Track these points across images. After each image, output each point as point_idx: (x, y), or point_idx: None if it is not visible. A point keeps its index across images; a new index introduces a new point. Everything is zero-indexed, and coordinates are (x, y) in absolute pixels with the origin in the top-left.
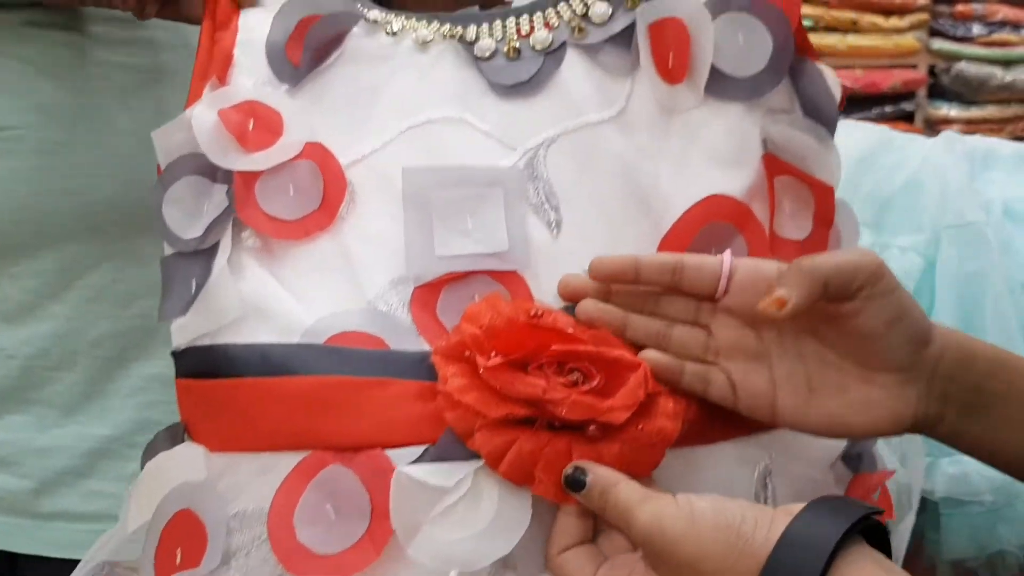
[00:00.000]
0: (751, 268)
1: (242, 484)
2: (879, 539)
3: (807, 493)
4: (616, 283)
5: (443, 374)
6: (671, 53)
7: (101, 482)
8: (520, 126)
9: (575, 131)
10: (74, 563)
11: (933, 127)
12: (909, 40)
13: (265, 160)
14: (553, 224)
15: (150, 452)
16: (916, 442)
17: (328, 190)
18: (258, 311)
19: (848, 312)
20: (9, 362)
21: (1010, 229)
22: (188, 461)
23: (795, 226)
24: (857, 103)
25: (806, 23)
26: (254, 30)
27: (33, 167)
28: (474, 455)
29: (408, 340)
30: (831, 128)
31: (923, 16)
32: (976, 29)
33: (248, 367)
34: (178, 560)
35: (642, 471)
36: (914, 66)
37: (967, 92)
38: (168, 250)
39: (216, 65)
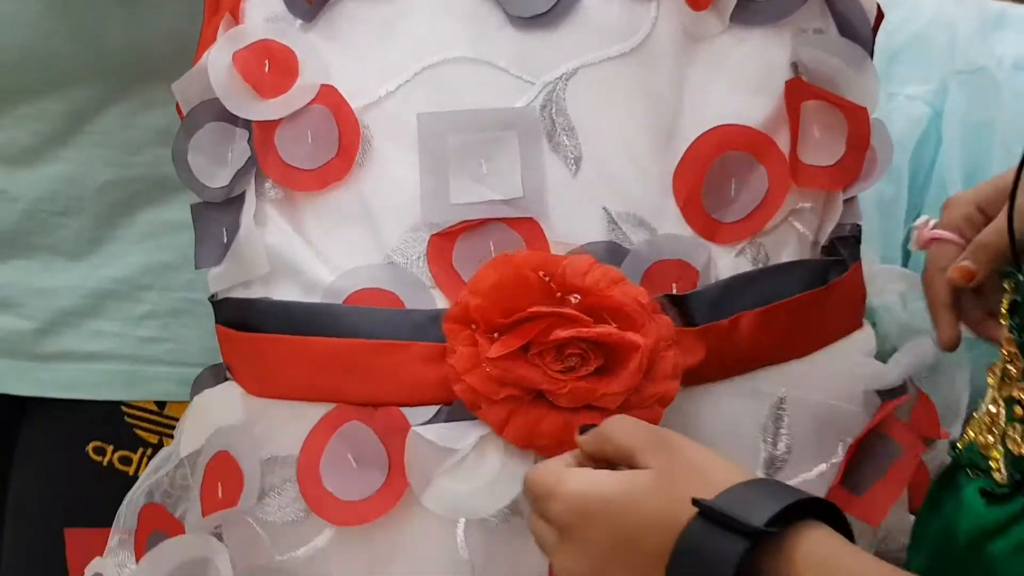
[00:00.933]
0: None
1: (275, 429)
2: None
3: (830, 421)
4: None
5: (452, 343)
6: None
7: (107, 322)
8: (539, 59)
9: (597, 63)
10: (83, 403)
11: None
12: None
13: (283, 107)
14: (571, 160)
15: (197, 387)
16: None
17: (343, 138)
18: (283, 266)
19: None
20: (12, 205)
21: (1021, 80)
22: (228, 402)
23: (824, 152)
24: None
25: None
26: None
27: (39, 7)
28: None
29: (424, 295)
30: (868, 47)
31: None
32: None
33: (275, 324)
34: (219, 494)
35: None
36: None
37: None
38: (195, 198)
39: None
